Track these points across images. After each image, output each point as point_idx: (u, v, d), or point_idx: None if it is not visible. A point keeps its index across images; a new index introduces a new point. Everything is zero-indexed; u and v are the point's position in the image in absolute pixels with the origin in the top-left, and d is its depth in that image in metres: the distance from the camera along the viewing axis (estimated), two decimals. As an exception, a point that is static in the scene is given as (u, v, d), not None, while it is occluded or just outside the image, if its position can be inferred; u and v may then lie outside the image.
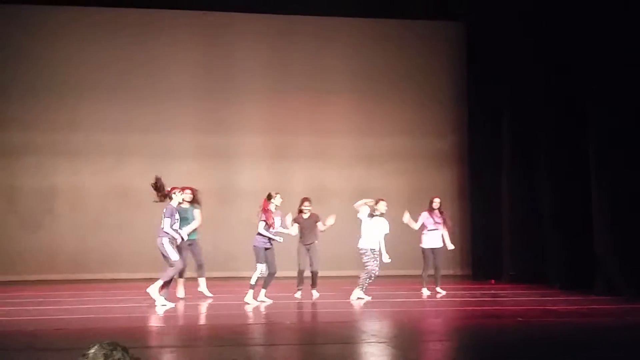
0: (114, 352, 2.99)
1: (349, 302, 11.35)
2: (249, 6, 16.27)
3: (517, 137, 15.31)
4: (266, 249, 11.25)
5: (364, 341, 8.10)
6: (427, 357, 7.41)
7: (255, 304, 11.08)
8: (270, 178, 16.24)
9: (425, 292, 12.50)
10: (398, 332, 8.96)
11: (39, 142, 16.19)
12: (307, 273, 12.16)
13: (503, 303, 11.96)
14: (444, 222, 12.80)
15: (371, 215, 11.71)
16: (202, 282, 11.88)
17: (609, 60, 12.16)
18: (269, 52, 17.00)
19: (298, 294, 11.94)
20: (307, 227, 12.01)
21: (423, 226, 12.76)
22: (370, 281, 11.61)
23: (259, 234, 11.23)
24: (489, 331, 8.78)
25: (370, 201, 11.85)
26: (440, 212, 12.85)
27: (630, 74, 11.83)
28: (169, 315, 10.07)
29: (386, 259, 11.67)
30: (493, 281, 15.24)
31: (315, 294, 11.91)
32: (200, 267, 11.91)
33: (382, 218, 11.74)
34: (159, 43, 16.65)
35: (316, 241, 12.09)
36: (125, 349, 3.03)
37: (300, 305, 11.39)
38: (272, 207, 11.29)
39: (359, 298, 11.48)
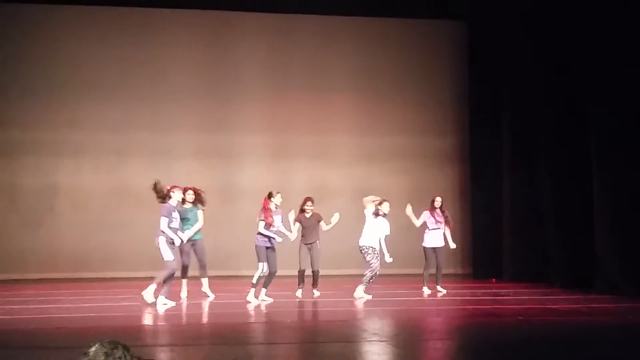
0: (115, 350, 3.00)
1: (350, 300, 11.36)
2: (250, 5, 16.28)
3: (517, 137, 15.32)
4: (267, 248, 11.25)
5: (364, 340, 8.11)
6: (428, 355, 7.42)
7: (256, 302, 11.09)
8: (271, 177, 16.25)
9: (426, 291, 12.52)
10: (399, 331, 8.97)
11: (39, 141, 16.20)
12: (308, 272, 12.18)
13: (504, 302, 11.97)
14: (446, 221, 12.80)
15: (376, 214, 11.73)
16: (204, 282, 11.88)
17: (609, 60, 12.16)
18: (270, 51, 17.01)
19: (299, 293, 11.96)
20: (309, 227, 12.02)
21: (425, 225, 12.77)
22: (373, 280, 11.64)
23: (259, 233, 11.23)
24: (489, 330, 8.78)
25: (377, 199, 11.85)
26: (442, 211, 12.86)
27: (630, 74, 11.83)
28: (170, 314, 10.08)
29: (388, 258, 11.70)
30: (494, 280, 15.25)
31: (316, 292, 11.93)
32: (202, 267, 11.90)
33: (384, 219, 11.75)
34: (159, 42, 16.65)
35: (317, 241, 12.11)
36: (126, 348, 3.04)
37: (301, 304, 11.40)
38: (272, 206, 11.28)
39: (359, 297, 11.48)
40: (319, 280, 12.09)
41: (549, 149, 14.06)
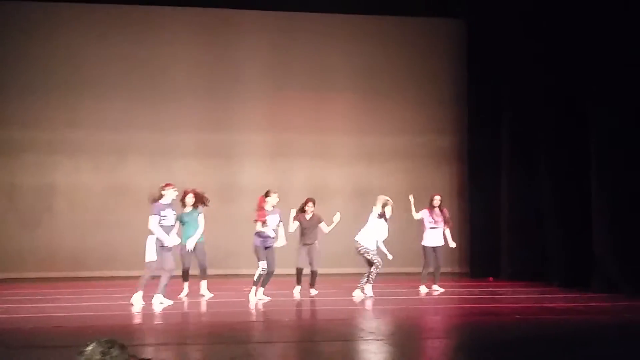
0: (112, 349, 3.01)
1: (348, 299, 11.38)
2: (250, 3, 16.27)
3: (516, 136, 15.33)
4: (266, 247, 11.25)
5: (362, 338, 8.12)
6: (425, 354, 7.43)
7: (255, 301, 11.09)
8: (271, 176, 16.26)
9: (423, 289, 12.53)
10: (396, 330, 8.98)
11: (38, 140, 16.20)
12: (306, 271, 12.20)
13: (501, 301, 11.99)
14: (445, 221, 12.81)
15: (381, 215, 11.74)
16: (203, 284, 11.86)
17: (609, 60, 12.17)
18: (270, 49, 17.00)
19: (296, 291, 11.98)
20: (308, 228, 12.05)
21: (423, 224, 12.79)
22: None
23: (257, 233, 11.24)
24: (487, 329, 8.80)
25: (390, 201, 11.83)
26: (441, 210, 12.87)
27: (630, 74, 11.85)
28: (167, 313, 10.08)
29: (390, 256, 11.74)
30: (491, 279, 15.27)
31: (313, 291, 11.96)
32: (202, 270, 11.87)
33: (384, 222, 11.77)
34: (159, 41, 16.65)
35: (316, 241, 12.14)
36: (123, 346, 3.05)
37: (298, 303, 11.41)
38: (267, 206, 11.26)
39: (368, 295, 11.49)
40: (317, 279, 12.11)
41: (547, 148, 14.08)
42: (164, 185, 10.78)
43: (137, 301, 10.45)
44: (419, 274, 12.88)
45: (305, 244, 12.10)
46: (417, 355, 7.34)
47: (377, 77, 17.22)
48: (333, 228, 12.19)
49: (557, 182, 13.73)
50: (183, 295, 11.69)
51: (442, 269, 13.12)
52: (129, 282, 11.58)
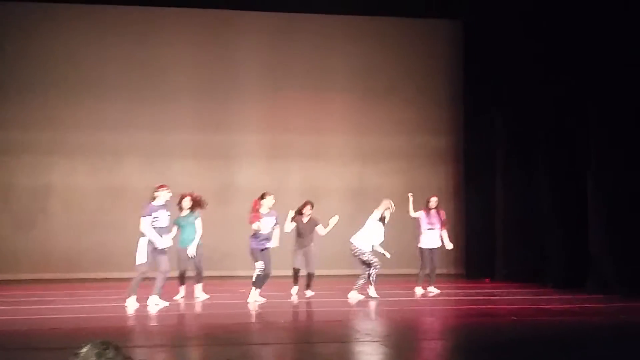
0: (107, 351, 2.99)
1: (344, 300, 11.37)
2: (248, 4, 16.25)
3: (512, 137, 15.35)
4: (261, 250, 11.24)
5: (358, 340, 8.11)
6: (421, 356, 7.43)
7: (262, 300, 11.10)
8: (268, 177, 16.25)
9: (419, 290, 12.54)
10: (392, 331, 8.98)
11: (33, 141, 16.16)
12: (302, 272, 12.20)
13: (497, 302, 12.00)
14: (441, 222, 12.82)
15: (381, 219, 11.73)
16: (198, 287, 11.84)
17: (606, 60, 12.21)
18: (267, 50, 16.98)
19: (294, 291, 11.99)
20: (305, 231, 12.07)
21: (419, 226, 12.80)
22: (366, 280, 11.68)
23: (252, 236, 11.24)
24: (482, 330, 8.80)
25: (390, 204, 11.83)
26: (437, 212, 12.87)
27: (628, 74, 11.88)
28: (163, 315, 10.06)
29: (388, 255, 11.73)
30: (487, 280, 15.28)
31: (308, 292, 11.95)
32: (198, 273, 11.86)
33: (382, 226, 11.78)
34: (157, 41, 16.62)
35: (312, 243, 12.15)
36: (117, 348, 3.03)
37: (294, 305, 11.40)
38: (263, 208, 11.24)
39: (371, 296, 11.48)
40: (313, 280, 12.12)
41: (543, 149, 14.10)
42: (157, 186, 10.75)
43: (131, 304, 10.42)
44: (414, 275, 12.88)
45: (301, 247, 12.10)
46: (413, 356, 7.34)
47: (373, 78, 17.22)
48: (330, 231, 12.20)
49: (553, 183, 13.75)
50: (178, 297, 11.67)
51: (438, 271, 13.13)
52: (124, 284, 11.53)
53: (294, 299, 11.81)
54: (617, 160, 12.08)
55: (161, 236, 10.50)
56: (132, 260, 10.50)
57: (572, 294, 11.97)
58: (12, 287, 13.67)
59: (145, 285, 10.70)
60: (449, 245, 12.90)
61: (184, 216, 11.78)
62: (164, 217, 10.59)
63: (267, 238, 11.24)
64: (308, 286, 12.03)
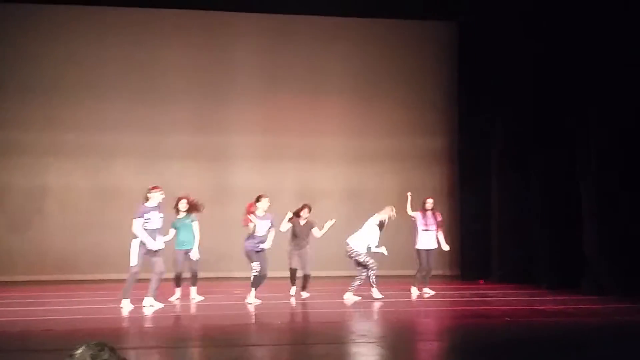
0: (102, 352, 3.00)
1: (339, 302, 11.39)
2: (243, 6, 16.25)
3: (507, 138, 15.37)
4: (257, 251, 11.25)
5: (353, 341, 8.13)
6: (416, 357, 7.44)
7: (258, 302, 11.11)
8: (263, 179, 16.24)
9: (415, 291, 12.56)
10: (387, 332, 8.99)
11: (29, 142, 16.12)
12: (298, 273, 12.21)
13: (491, 303, 12.01)
14: (437, 224, 12.85)
15: (381, 224, 11.74)
16: (193, 290, 11.84)
17: (602, 61, 12.25)
18: (263, 52, 16.96)
19: (293, 292, 11.98)
20: (301, 232, 12.09)
21: (415, 227, 12.83)
22: (362, 281, 11.70)
23: (247, 239, 11.25)
24: (477, 331, 8.81)
25: (392, 212, 11.85)
26: (433, 214, 12.91)
27: (624, 74, 11.92)
28: (158, 316, 10.06)
29: (385, 251, 11.77)
30: (482, 281, 15.30)
31: (304, 294, 11.97)
32: (193, 276, 11.85)
33: (379, 231, 11.81)
34: (153, 43, 16.59)
35: (308, 245, 12.18)
36: (113, 349, 3.04)
37: (290, 306, 11.40)
38: (259, 211, 11.24)
39: (376, 298, 11.48)
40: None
41: (537, 150, 14.13)
42: (150, 187, 10.75)
43: (126, 306, 10.43)
44: (408, 276, 12.90)
45: (297, 248, 12.12)
46: (408, 357, 7.36)
47: (369, 80, 17.23)
48: (325, 233, 12.23)
49: (547, 184, 13.78)
50: (174, 298, 11.66)
51: (433, 272, 13.15)
52: (120, 285, 11.53)
53: (293, 300, 11.79)
54: (611, 162, 12.12)
55: (153, 238, 10.47)
56: (128, 262, 10.51)
57: (566, 295, 12.00)
58: (8, 289, 13.63)
59: (141, 286, 10.70)
60: (446, 247, 12.94)
61: (181, 218, 11.79)
62: (156, 219, 10.56)
63: (262, 240, 11.25)
64: (304, 287, 12.05)
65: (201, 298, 11.67)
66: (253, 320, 10.14)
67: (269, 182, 15.94)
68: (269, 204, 11.35)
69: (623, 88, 11.99)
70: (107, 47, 16.33)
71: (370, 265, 11.57)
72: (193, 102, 16.66)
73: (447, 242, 13.03)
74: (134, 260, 10.39)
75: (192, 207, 11.81)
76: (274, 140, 16.90)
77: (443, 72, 17.37)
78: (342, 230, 12.45)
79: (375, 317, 10.31)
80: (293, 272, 12.19)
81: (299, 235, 12.09)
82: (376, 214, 11.82)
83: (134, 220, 10.41)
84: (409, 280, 12.87)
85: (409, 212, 12.89)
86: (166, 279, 11.77)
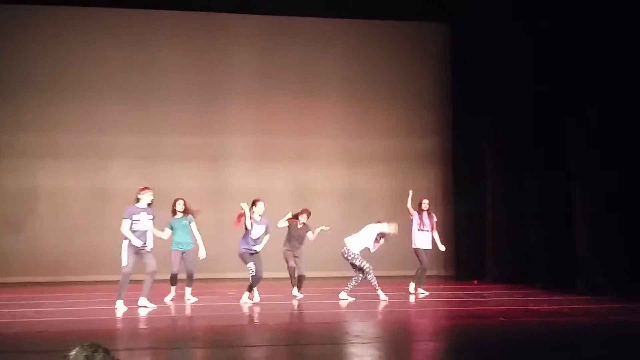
0: (95, 353, 2.99)
1: (334, 302, 11.39)
2: (237, 7, 16.24)
3: (500, 139, 15.40)
4: (251, 253, 11.24)
5: (348, 342, 8.12)
6: (411, 357, 7.44)
7: (250, 303, 11.09)
8: (258, 180, 16.24)
9: (413, 288, 12.61)
10: (382, 333, 8.99)
11: (21, 143, 16.07)
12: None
13: (486, 303, 12.01)
14: (432, 224, 12.87)
15: (381, 236, 11.72)
16: (187, 291, 11.82)
17: (595, 61, 12.28)
18: (258, 53, 16.96)
19: (295, 292, 11.95)
20: (296, 234, 12.10)
21: (412, 227, 12.86)
22: (359, 282, 11.70)
23: (241, 241, 11.25)
24: (472, 331, 8.82)
25: (395, 230, 11.86)
26: (429, 214, 12.94)
27: (615, 76, 11.95)
28: (152, 317, 10.04)
29: (383, 240, 11.83)
30: (476, 281, 15.32)
31: (298, 295, 11.97)
32: (189, 277, 11.83)
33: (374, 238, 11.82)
34: (147, 44, 16.56)
35: (302, 247, 12.22)
36: (106, 351, 3.03)
37: (284, 306, 11.39)
38: (255, 215, 11.23)
39: (384, 300, 11.47)
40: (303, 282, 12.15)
41: (531, 150, 14.15)
42: (140, 188, 10.75)
43: (120, 307, 10.41)
44: (404, 277, 12.91)
45: (291, 249, 12.14)
46: (403, 358, 7.35)
47: (362, 81, 17.24)
48: (317, 236, 12.30)
49: (541, 185, 13.81)
50: (169, 298, 11.64)
51: (428, 272, 13.17)
52: (114, 286, 11.52)
53: (296, 301, 11.75)
54: (606, 162, 12.15)
55: (142, 239, 10.45)
56: (121, 263, 10.50)
57: (561, 295, 12.02)
58: (1, 290, 13.56)
59: (136, 288, 10.68)
60: (442, 247, 12.99)
61: (178, 219, 11.78)
62: (144, 220, 10.54)
63: (256, 243, 11.26)
64: (299, 288, 12.06)
65: (195, 299, 11.65)
66: (247, 321, 10.12)
67: (265, 183, 15.94)
68: (264, 209, 11.36)
69: (622, 88, 12.00)
70: (103, 48, 16.30)
71: (366, 269, 11.56)
72: (189, 103, 16.63)
73: (442, 243, 13.05)
74: (124, 261, 10.38)
75: (188, 211, 11.84)
76: (268, 142, 16.89)
77: (437, 73, 17.38)
78: (337, 231, 12.46)
79: (370, 317, 10.30)
80: (292, 271, 12.18)
81: (294, 236, 12.13)
82: (380, 224, 11.77)
83: (123, 221, 10.42)
84: (403, 281, 12.87)
85: (410, 208, 12.90)
86: (162, 280, 11.78)
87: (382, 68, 17.29)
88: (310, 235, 12.22)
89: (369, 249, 11.76)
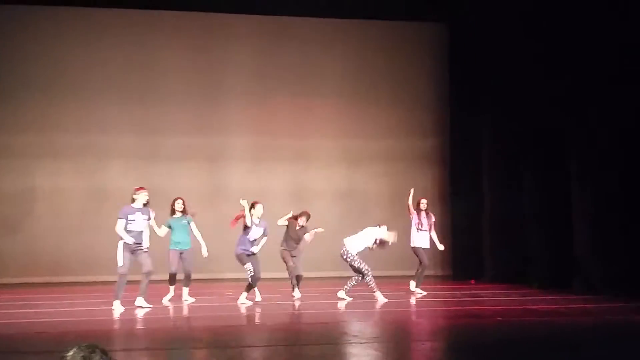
0: (93, 354, 2.99)
1: (331, 303, 11.38)
2: (236, 7, 16.24)
3: (498, 139, 15.41)
4: (247, 255, 11.24)
5: (346, 342, 8.12)
6: (408, 357, 7.44)
7: (248, 303, 11.08)
8: (256, 180, 16.24)
9: (414, 286, 12.62)
10: (379, 333, 9.00)
11: (19, 144, 16.06)
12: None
13: (483, 303, 12.02)
14: (430, 224, 12.89)
15: (379, 243, 11.72)
16: (185, 291, 11.81)
17: (592, 61, 12.29)
18: (255, 53, 16.97)
19: (297, 293, 11.93)
20: (295, 236, 12.10)
21: (411, 226, 12.88)
22: (357, 282, 11.72)
23: (238, 242, 11.26)
24: (470, 331, 8.83)
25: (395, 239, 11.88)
26: (427, 214, 12.95)
27: (613, 76, 11.96)
28: (150, 318, 10.04)
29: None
30: (473, 281, 15.33)
31: (297, 295, 11.98)
32: (187, 277, 11.83)
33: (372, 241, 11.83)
34: (146, 44, 16.56)
35: (298, 248, 12.22)
36: (104, 351, 3.03)
37: (282, 307, 11.39)
38: (254, 218, 11.23)
39: (382, 301, 11.49)
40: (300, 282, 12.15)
41: (528, 150, 14.16)
42: (136, 188, 10.77)
43: (117, 308, 10.41)
44: (401, 277, 12.92)
45: (289, 249, 12.13)
46: (400, 357, 7.36)
47: (360, 81, 17.25)
48: (313, 238, 12.33)
49: (538, 185, 13.82)
50: (167, 298, 11.64)
51: (425, 272, 13.16)
52: (111, 287, 11.52)
53: (298, 302, 11.75)
54: (601, 162, 12.15)
55: (137, 240, 10.47)
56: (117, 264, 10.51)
57: (558, 295, 12.03)
58: (-2, 291, 13.59)
59: (134, 288, 10.69)
60: (441, 247, 13.02)
61: (177, 218, 11.78)
62: (140, 220, 10.56)
63: (253, 244, 11.27)
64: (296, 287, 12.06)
65: (193, 299, 11.65)
66: (244, 322, 10.12)
67: (264, 183, 15.96)
68: (262, 211, 11.36)
69: (622, 88, 12.01)
70: (102, 49, 16.30)
71: (365, 271, 11.56)
72: (189, 104, 16.64)
73: (440, 242, 13.07)
74: (120, 261, 10.40)
75: (186, 211, 11.85)
76: (266, 142, 16.90)
77: (434, 73, 17.40)
78: (336, 231, 12.47)
79: (368, 317, 10.31)
80: (292, 271, 12.18)
81: (292, 238, 12.11)
82: (380, 229, 11.75)
83: (118, 220, 10.45)
84: (402, 281, 12.87)
85: (410, 206, 12.92)
86: (161, 280, 11.78)
87: (380, 68, 17.31)
88: (307, 237, 12.23)
89: (368, 249, 11.76)
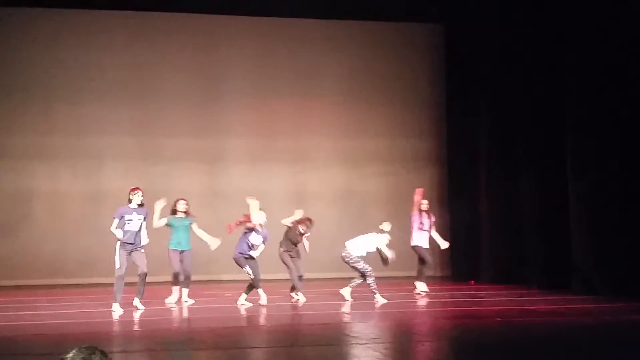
0: (92, 356, 2.98)
1: (331, 303, 11.39)
2: (233, 9, 16.26)
3: (496, 139, 15.41)
4: (246, 258, 11.23)
5: (346, 343, 8.11)
6: (409, 358, 7.44)
7: (248, 305, 11.08)
8: (255, 181, 16.23)
9: (421, 286, 12.64)
10: (380, 333, 8.99)
11: (16, 145, 16.05)
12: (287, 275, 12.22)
13: (482, 303, 12.03)
14: (430, 225, 12.92)
15: (378, 250, 11.74)
16: (184, 292, 11.80)
17: (589, 64, 12.28)
18: (253, 54, 16.97)
19: (301, 296, 11.91)
20: (295, 239, 12.12)
21: (412, 226, 12.89)
22: (361, 283, 11.72)
23: (238, 245, 11.25)
24: (469, 331, 8.82)
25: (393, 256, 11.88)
26: (428, 214, 12.97)
27: (610, 79, 11.95)
28: (149, 319, 10.03)
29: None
30: (472, 282, 15.33)
31: (294, 296, 11.96)
32: (186, 277, 11.82)
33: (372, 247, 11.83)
34: (144, 46, 16.56)
35: (297, 249, 12.22)
36: (103, 353, 3.02)
37: (282, 308, 11.38)
38: (257, 225, 11.22)
39: (383, 303, 11.48)
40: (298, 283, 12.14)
41: (526, 151, 14.16)
42: (131, 189, 10.82)
43: (116, 310, 10.40)
44: (402, 277, 12.92)
45: (288, 250, 12.13)
46: (401, 358, 7.35)
47: (357, 82, 17.26)
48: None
49: (536, 185, 13.81)
50: (171, 299, 11.62)
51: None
52: (109, 289, 11.51)
53: (301, 297, 11.73)
54: (599, 163, 12.15)
55: (133, 240, 10.51)
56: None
57: (557, 295, 12.03)
58: (-3, 293, 13.57)
59: (132, 290, 10.68)
60: (444, 245, 13.09)
61: (179, 218, 11.78)
62: (136, 220, 10.60)
63: (252, 249, 11.26)
64: (298, 289, 12.03)
65: (192, 301, 11.63)
66: (245, 323, 10.11)
67: (261, 184, 15.95)
68: (265, 219, 11.35)
69: (622, 88, 12.01)
70: (101, 50, 16.31)
71: (368, 273, 11.55)
72: (184, 105, 16.63)
73: (435, 243, 13.09)
74: (117, 263, 10.44)
75: (189, 213, 11.89)
76: (264, 143, 16.90)
77: (431, 74, 17.43)
78: (334, 232, 12.47)
79: (368, 318, 10.30)
80: (294, 273, 12.17)
81: (290, 240, 12.08)
82: (382, 237, 11.73)
83: (114, 220, 10.53)
84: (402, 281, 12.88)
85: (417, 204, 12.91)
86: (164, 282, 11.77)
87: (378, 69, 17.32)
88: (306, 244, 12.20)
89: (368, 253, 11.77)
